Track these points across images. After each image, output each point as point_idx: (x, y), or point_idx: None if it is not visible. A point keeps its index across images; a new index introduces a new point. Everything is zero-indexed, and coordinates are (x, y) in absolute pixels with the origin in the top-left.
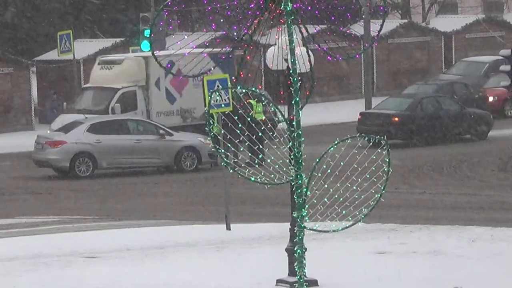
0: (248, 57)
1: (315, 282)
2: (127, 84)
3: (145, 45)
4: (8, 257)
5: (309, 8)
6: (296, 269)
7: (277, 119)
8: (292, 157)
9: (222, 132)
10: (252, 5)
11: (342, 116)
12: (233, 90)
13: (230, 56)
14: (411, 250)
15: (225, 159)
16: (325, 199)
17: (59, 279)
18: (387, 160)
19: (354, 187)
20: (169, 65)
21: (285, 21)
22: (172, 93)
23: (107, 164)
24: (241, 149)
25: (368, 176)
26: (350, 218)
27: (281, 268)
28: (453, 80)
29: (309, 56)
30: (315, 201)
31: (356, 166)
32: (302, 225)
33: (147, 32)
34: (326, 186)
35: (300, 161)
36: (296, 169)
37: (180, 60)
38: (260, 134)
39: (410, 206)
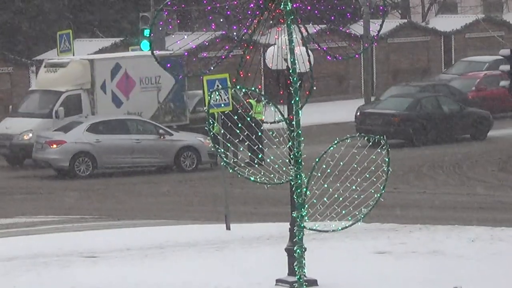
0: (248, 57)
1: (314, 282)
2: (71, 87)
3: (144, 44)
4: (8, 257)
5: (309, 7)
6: (296, 269)
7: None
8: (291, 156)
9: (222, 132)
10: (252, 5)
11: (341, 116)
12: (232, 90)
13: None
14: (411, 250)
15: (224, 159)
16: (325, 199)
17: (58, 279)
18: (387, 159)
19: (354, 187)
20: (169, 66)
21: (284, 20)
22: (118, 96)
23: (107, 164)
24: (241, 149)
25: (367, 176)
26: (349, 218)
27: (281, 268)
28: (435, 82)
29: (308, 55)
30: (314, 201)
31: (355, 165)
32: (302, 225)
33: (146, 32)
34: (325, 186)
35: (299, 160)
36: (295, 168)
37: (127, 62)
38: (260, 134)
39: (409, 206)
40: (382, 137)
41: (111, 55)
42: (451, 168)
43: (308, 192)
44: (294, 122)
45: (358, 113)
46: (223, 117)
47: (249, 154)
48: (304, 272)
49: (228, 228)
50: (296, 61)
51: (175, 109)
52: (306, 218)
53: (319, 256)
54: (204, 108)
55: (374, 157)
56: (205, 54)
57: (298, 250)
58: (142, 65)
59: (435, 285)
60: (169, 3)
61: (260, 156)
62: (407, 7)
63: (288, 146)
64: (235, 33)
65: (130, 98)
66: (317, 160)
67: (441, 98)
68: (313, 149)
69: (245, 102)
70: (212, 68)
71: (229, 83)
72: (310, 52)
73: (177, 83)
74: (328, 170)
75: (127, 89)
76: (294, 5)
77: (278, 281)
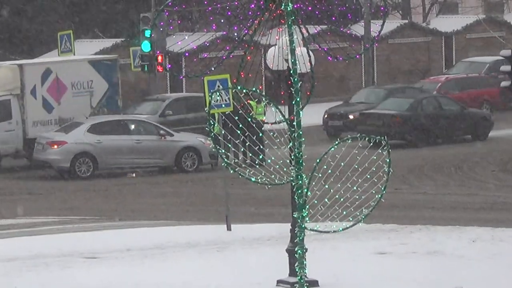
0: (248, 58)
1: (315, 283)
2: (0, 92)
3: (145, 45)
4: (8, 257)
5: (310, 8)
6: (297, 270)
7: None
8: (292, 157)
9: (223, 132)
10: (253, 6)
11: None
12: (233, 91)
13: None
14: (412, 251)
15: (225, 160)
16: (326, 200)
17: (59, 279)
18: (388, 160)
19: (355, 188)
20: (170, 66)
21: (285, 21)
22: (49, 101)
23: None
24: (241, 150)
25: (368, 176)
26: (350, 219)
27: (282, 268)
28: (404, 85)
29: (309, 56)
30: (315, 202)
31: (356, 166)
32: (303, 226)
33: (147, 33)
34: (326, 186)
35: (300, 161)
36: (296, 169)
37: (58, 67)
38: (260, 134)
39: (410, 207)
40: (383, 137)
41: (41, 60)
42: (451, 168)
43: (309, 193)
44: (295, 123)
45: (326, 116)
46: (223, 117)
47: (250, 155)
48: (305, 272)
49: (228, 228)
50: (297, 62)
51: (108, 114)
52: (307, 218)
53: (320, 257)
54: (205, 109)
55: (375, 157)
56: (205, 55)
57: (299, 251)
58: (73, 70)
59: (436, 286)
60: (170, 3)
61: (261, 157)
62: (407, 7)
63: (289, 146)
64: (235, 34)
65: (62, 103)
66: (318, 160)
67: (441, 99)
68: (314, 150)
69: (246, 102)
70: (213, 68)
71: (230, 83)
72: (311, 52)
73: (110, 88)
74: (329, 171)
75: (58, 94)
76: (295, 6)
77: (279, 281)
